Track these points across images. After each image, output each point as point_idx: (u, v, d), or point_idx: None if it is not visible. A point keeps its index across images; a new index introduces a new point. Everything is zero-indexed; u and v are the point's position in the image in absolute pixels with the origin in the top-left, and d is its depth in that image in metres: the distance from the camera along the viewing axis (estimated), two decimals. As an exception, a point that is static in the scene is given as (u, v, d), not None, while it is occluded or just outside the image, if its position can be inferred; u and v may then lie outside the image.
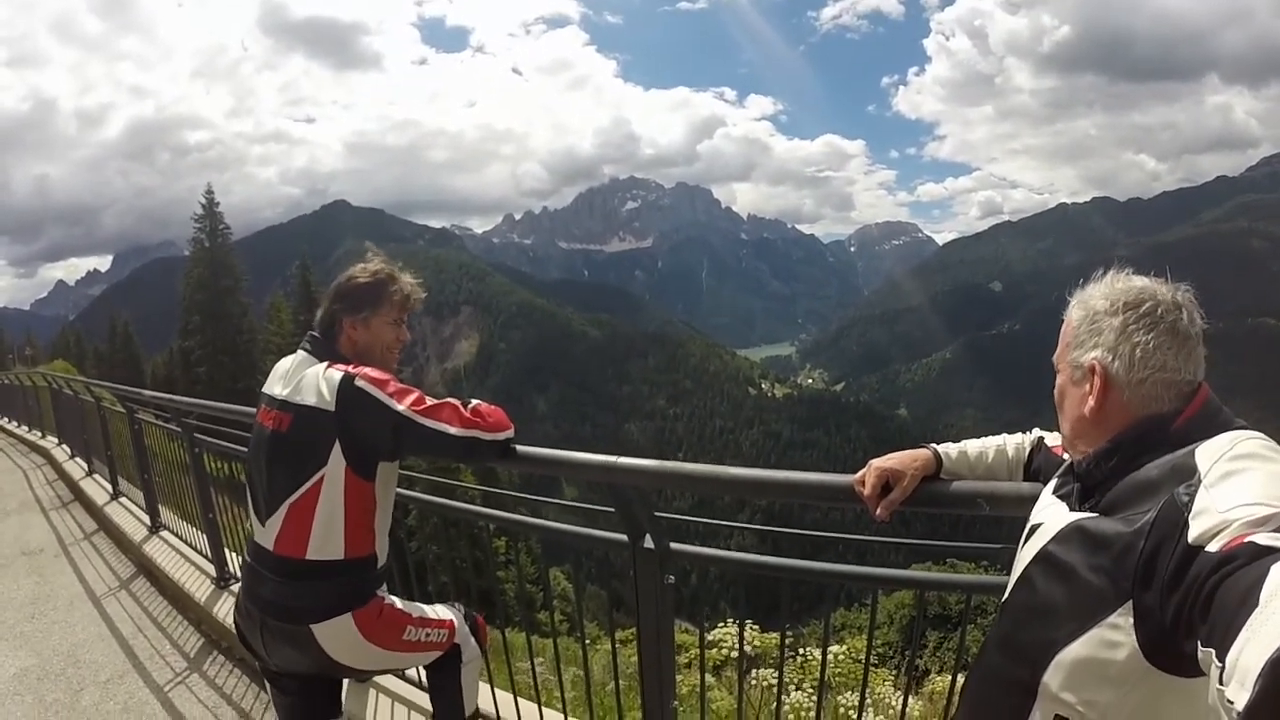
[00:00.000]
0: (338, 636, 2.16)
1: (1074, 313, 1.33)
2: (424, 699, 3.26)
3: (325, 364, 2.21)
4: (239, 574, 4.58)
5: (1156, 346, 1.20)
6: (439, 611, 2.48)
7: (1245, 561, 0.84)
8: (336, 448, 2.11)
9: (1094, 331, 1.26)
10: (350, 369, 2.17)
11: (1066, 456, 1.41)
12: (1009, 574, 1.36)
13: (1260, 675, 0.70)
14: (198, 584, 5.03)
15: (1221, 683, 0.77)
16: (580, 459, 2.38)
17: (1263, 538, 0.86)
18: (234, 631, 2.41)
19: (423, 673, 2.91)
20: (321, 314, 2.35)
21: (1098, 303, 1.28)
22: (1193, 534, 0.95)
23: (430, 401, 2.16)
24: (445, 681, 2.50)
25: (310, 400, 2.15)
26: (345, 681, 2.53)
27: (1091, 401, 1.24)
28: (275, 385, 2.30)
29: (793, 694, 4.22)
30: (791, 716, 3.90)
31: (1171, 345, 1.20)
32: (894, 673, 6.37)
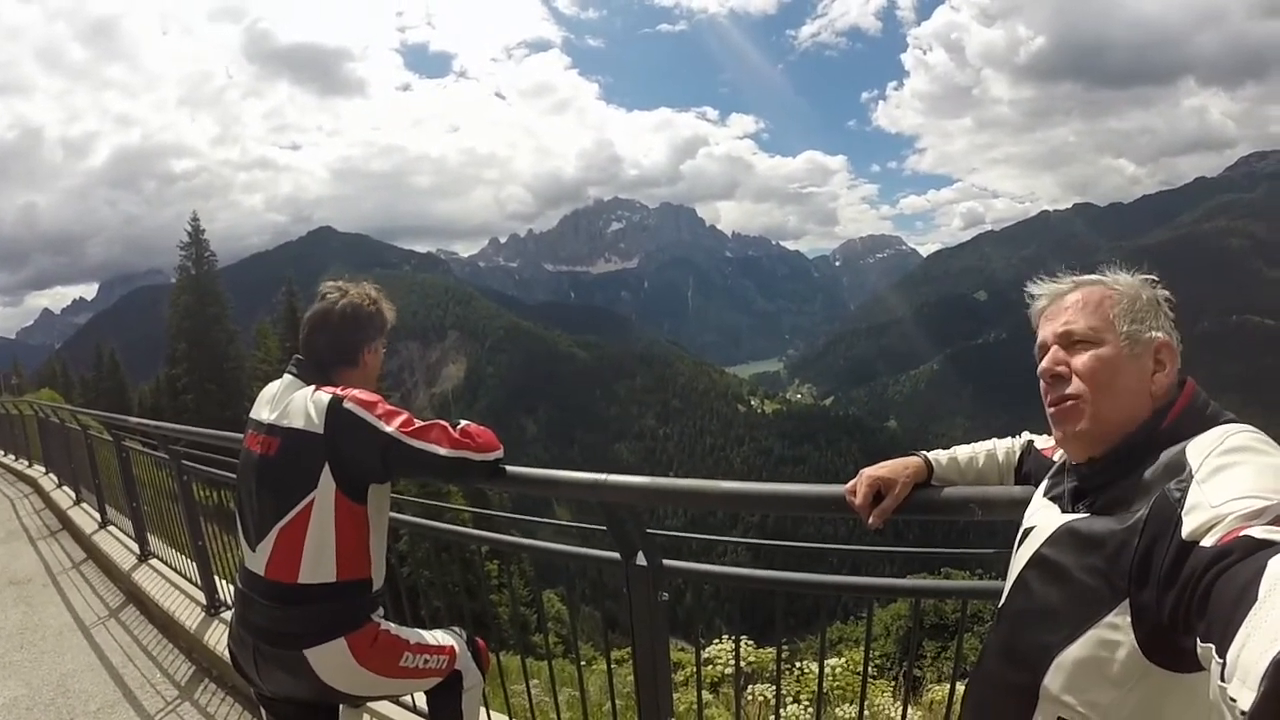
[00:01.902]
0: (331, 661, 2.14)
1: (1121, 284, 1.29)
2: (422, 726, 3.22)
3: (313, 387, 2.19)
4: (229, 601, 4.54)
5: (1177, 340, 1.26)
6: (439, 637, 2.44)
7: (1241, 555, 0.85)
8: (326, 470, 2.09)
9: (1155, 312, 1.27)
10: (339, 391, 2.15)
11: (1056, 458, 1.41)
12: (1004, 580, 1.36)
13: (1265, 677, 0.69)
14: (188, 612, 4.97)
15: (1223, 679, 0.76)
16: (570, 477, 2.38)
17: (1258, 531, 0.87)
18: (225, 659, 2.38)
19: (421, 698, 2.86)
20: (332, 341, 2.30)
21: (1143, 287, 1.29)
22: (1186, 529, 0.95)
23: (419, 423, 2.15)
24: (445, 708, 2.46)
25: (298, 423, 2.13)
26: (340, 707, 2.49)
27: (1164, 379, 1.23)
28: (262, 410, 2.28)
29: (790, 708, 4.20)
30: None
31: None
32: (892, 683, 6.35)
